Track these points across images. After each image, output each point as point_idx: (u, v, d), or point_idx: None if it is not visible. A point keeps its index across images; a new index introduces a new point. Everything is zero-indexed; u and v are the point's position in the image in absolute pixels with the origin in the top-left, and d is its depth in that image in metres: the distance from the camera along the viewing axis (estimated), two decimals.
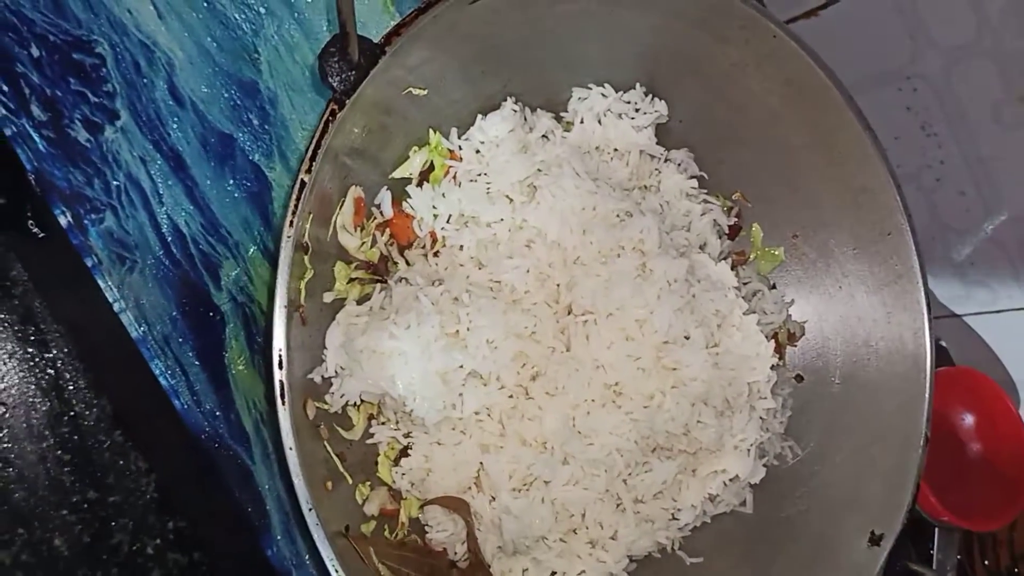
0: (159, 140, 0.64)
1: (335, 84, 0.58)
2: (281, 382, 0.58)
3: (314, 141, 0.59)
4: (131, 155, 0.63)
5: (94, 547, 0.71)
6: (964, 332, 0.98)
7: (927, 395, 0.70)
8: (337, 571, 0.58)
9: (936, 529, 0.90)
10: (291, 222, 0.59)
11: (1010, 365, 0.95)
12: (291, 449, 0.57)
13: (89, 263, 0.62)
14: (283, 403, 0.58)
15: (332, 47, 0.58)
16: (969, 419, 0.94)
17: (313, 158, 0.58)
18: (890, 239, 0.71)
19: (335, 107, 0.59)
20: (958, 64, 0.87)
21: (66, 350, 0.71)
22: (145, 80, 0.64)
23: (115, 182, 0.63)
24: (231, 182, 0.67)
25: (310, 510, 0.57)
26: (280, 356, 0.58)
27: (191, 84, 0.66)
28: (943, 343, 0.98)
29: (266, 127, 0.68)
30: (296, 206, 0.58)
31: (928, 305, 0.70)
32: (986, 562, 0.96)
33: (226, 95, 0.67)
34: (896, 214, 0.70)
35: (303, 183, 0.59)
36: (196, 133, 0.66)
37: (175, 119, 0.65)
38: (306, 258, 0.62)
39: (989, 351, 0.97)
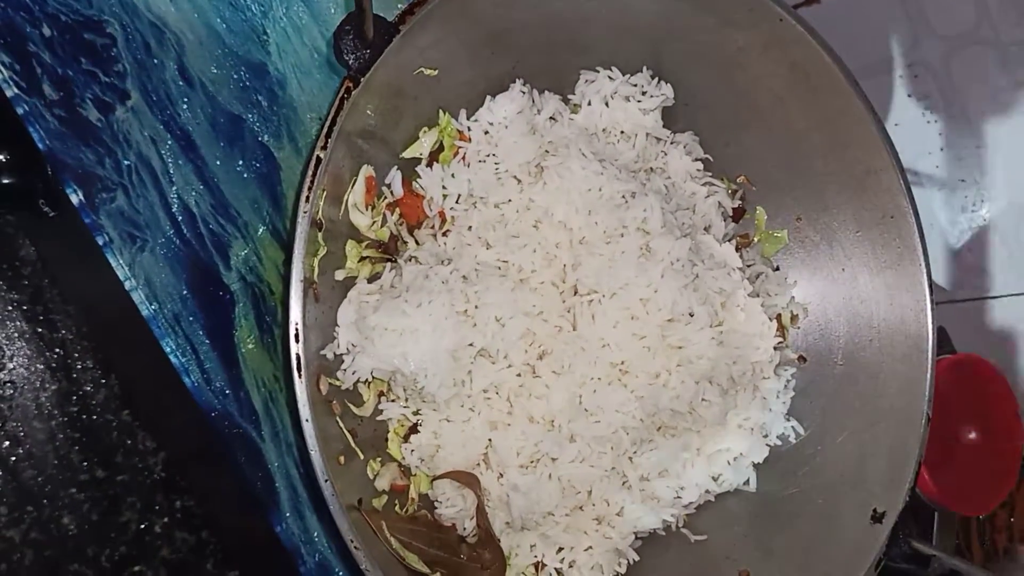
0: (169, 120, 0.65)
1: (350, 62, 0.59)
2: (298, 355, 0.59)
3: (329, 118, 0.59)
4: (141, 135, 0.64)
5: (102, 525, 0.72)
6: (962, 317, 0.99)
7: (928, 375, 0.70)
8: (353, 543, 0.58)
9: (936, 513, 0.91)
10: (307, 197, 0.59)
11: (1007, 349, 0.96)
12: (307, 421, 0.58)
13: (101, 242, 0.62)
14: (299, 376, 0.58)
15: (347, 25, 0.59)
16: (967, 405, 0.95)
17: (328, 135, 0.59)
18: (893, 222, 0.72)
19: (350, 84, 0.59)
20: (958, 52, 0.88)
21: (75, 330, 0.72)
22: (155, 60, 0.64)
23: (126, 161, 0.63)
24: (240, 163, 0.67)
25: (326, 481, 0.58)
26: (297, 330, 0.59)
27: (200, 65, 0.66)
28: (944, 328, 0.98)
29: (275, 108, 0.69)
30: (312, 181, 0.59)
31: (930, 287, 0.71)
32: (984, 545, 0.97)
33: (235, 76, 0.67)
34: (899, 197, 0.71)
35: (319, 159, 0.59)
36: (206, 114, 0.66)
37: (185, 100, 0.65)
38: (320, 235, 0.62)
39: (987, 336, 0.98)
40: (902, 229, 0.71)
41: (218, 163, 0.66)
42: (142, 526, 0.73)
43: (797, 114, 0.73)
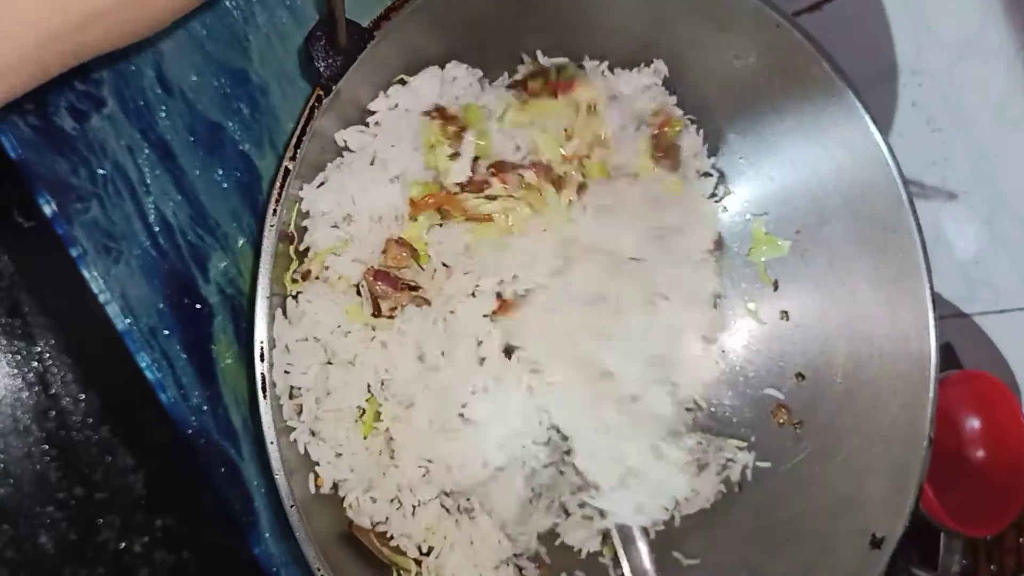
0: (146, 129, 0.63)
1: (321, 69, 0.57)
2: (263, 375, 0.57)
3: (299, 127, 0.57)
4: (118, 144, 0.62)
5: (80, 545, 0.70)
6: (969, 331, 0.97)
7: (931, 394, 0.68)
8: (320, 572, 0.56)
9: (941, 534, 0.89)
10: (274, 210, 0.57)
11: (1015, 365, 0.93)
12: (272, 444, 0.56)
13: (74, 253, 0.61)
14: (264, 396, 0.56)
15: (319, 31, 0.57)
16: (975, 423, 0.93)
17: (298, 145, 0.57)
18: (894, 236, 0.69)
19: (321, 92, 0.58)
20: (963, 60, 0.86)
21: (52, 344, 0.70)
22: (132, 67, 0.63)
23: (101, 171, 0.61)
24: (220, 172, 0.65)
25: (292, 507, 0.56)
26: (262, 348, 0.57)
27: (179, 72, 0.64)
28: (951, 343, 0.96)
29: (256, 116, 0.67)
30: (280, 194, 0.57)
31: (933, 303, 0.69)
32: (992, 567, 0.94)
33: (215, 84, 0.65)
34: (901, 210, 0.68)
35: (287, 170, 0.57)
36: (184, 122, 0.64)
37: (163, 107, 0.64)
38: (291, 249, 0.60)
39: (995, 351, 0.96)
40: (904, 243, 0.69)
41: (197, 172, 0.65)
42: (121, 545, 0.72)
43: (793, 123, 0.71)
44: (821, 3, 0.90)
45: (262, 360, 0.57)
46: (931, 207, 0.93)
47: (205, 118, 0.65)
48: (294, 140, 0.58)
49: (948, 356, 0.94)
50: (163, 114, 0.64)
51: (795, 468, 0.73)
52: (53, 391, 0.70)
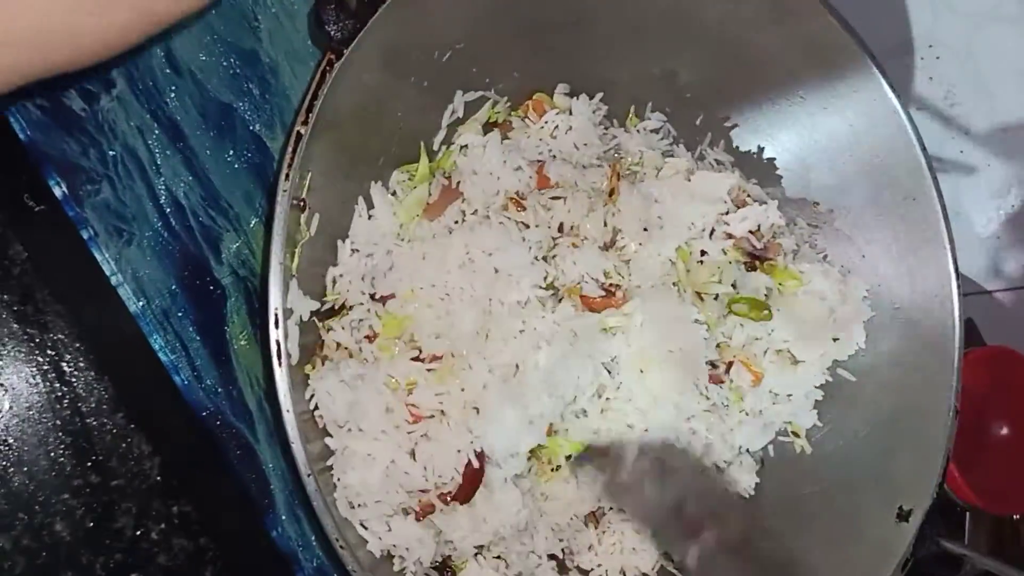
0: (156, 109, 0.63)
1: (332, 32, 0.56)
2: (278, 342, 0.56)
3: (310, 92, 0.57)
4: (128, 125, 0.62)
5: (97, 532, 0.69)
6: (993, 308, 0.95)
7: (956, 364, 0.67)
8: (339, 541, 0.55)
9: (967, 513, 0.88)
10: (286, 175, 0.57)
11: None
12: (288, 412, 0.55)
13: (85, 235, 0.60)
14: (279, 363, 0.56)
15: None
16: (1000, 400, 0.91)
17: (310, 109, 0.56)
18: (916, 204, 0.68)
19: (332, 56, 0.57)
20: (980, 31, 0.85)
21: (66, 330, 0.70)
22: (142, 48, 0.62)
23: (111, 152, 0.61)
24: (231, 153, 0.65)
25: (309, 476, 0.55)
26: (276, 315, 0.56)
27: (189, 52, 0.64)
28: (973, 320, 0.94)
29: (267, 97, 0.67)
30: (292, 159, 0.56)
31: (957, 273, 0.68)
32: (1019, 547, 0.93)
33: (225, 64, 0.65)
34: (921, 178, 0.67)
35: (299, 135, 0.57)
36: (195, 102, 0.64)
37: (173, 88, 0.63)
38: (302, 218, 0.60)
39: (1018, 328, 0.94)
40: (926, 211, 0.68)
41: (208, 153, 0.64)
42: (138, 532, 0.71)
43: (810, 91, 0.70)
44: None
45: (276, 327, 0.56)
46: (950, 182, 0.92)
47: (215, 99, 0.65)
48: (306, 104, 0.57)
49: (970, 332, 0.92)
50: (173, 95, 0.63)
51: (819, 443, 0.72)
52: (67, 377, 0.70)
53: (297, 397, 0.58)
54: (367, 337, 0.66)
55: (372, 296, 0.66)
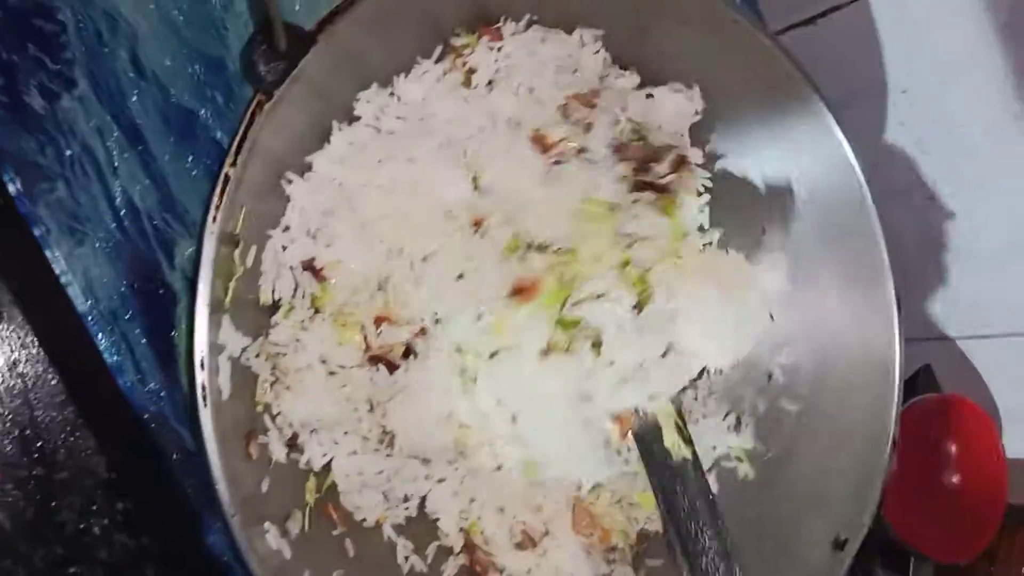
0: (117, 112, 0.63)
1: (263, 73, 0.57)
2: (203, 384, 0.57)
3: (240, 135, 0.57)
4: (87, 125, 0.62)
5: (38, 524, 0.69)
6: (954, 355, 0.96)
7: (896, 395, 0.68)
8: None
9: (912, 559, 0.88)
10: (214, 217, 0.57)
11: (996, 391, 0.92)
12: (214, 452, 0.56)
13: (37, 233, 0.61)
14: (204, 404, 0.56)
15: (259, 35, 0.57)
16: (952, 448, 0.91)
17: (239, 151, 0.57)
18: (860, 239, 0.69)
19: (262, 98, 0.58)
20: (954, 80, 0.85)
21: (18, 322, 0.70)
22: (106, 49, 0.63)
23: (69, 151, 0.61)
24: (191, 159, 0.65)
25: (234, 516, 0.56)
26: (202, 359, 0.57)
27: (154, 56, 0.64)
28: (932, 366, 0.95)
29: (231, 105, 0.67)
30: (220, 200, 0.57)
31: (899, 308, 0.68)
32: None
33: (190, 70, 0.65)
34: (864, 213, 0.68)
35: (227, 177, 0.57)
36: (157, 107, 0.64)
37: (135, 91, 0.64)
38: (236, 253, 0.60)
39: (977, 376, 0.95)
40: (868, 247, 0.68)
41: (167, 158, 0.64)
42: (80, 527, 0.71)
43: (755, 120, 0.71)
44: (814, 18, 0.90)
45: (202, 369, 0.57)
46: (918, 227, 0.92)
47: (178, 104, 0.65)
48: (234, 147, 0.58)
49: (928, 379, 0.93)
50: (135, 98, 0.64)
51: (762, 469, 0.72)
52: (19, 369, 0.70)
53: (225, 432, 0.58)
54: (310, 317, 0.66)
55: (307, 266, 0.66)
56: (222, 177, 0.58)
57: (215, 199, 0.58)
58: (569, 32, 0.71)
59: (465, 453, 0.68)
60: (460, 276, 0.67)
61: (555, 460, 0.69)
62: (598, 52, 0.71)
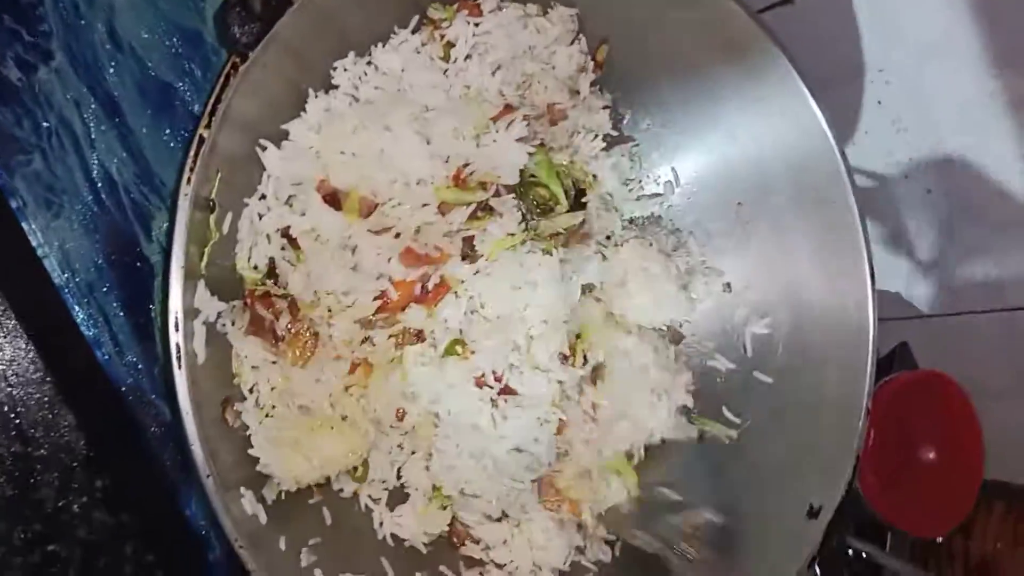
0: (94, 84, 0.63)
1: (237, 35, 0.57)
2: (178, 345, 0.57)
3: (214, 95, 0.57)
4: (64, 98, 0.62)
5: (17, 501, 0.69)
6: (929, 334, 0.96)
7: (869, 366, 0.68)
8: (238, 542, 0.57)
9: (889, 532, 0.88)
10: (188, 179, 0.57)
11: (972, 368, 0.93)
12: (188, 414, 0.56)
13: (13, 205, 0.61)
14: (179, 366, 0.56)
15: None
16: (929, 423, 0.92)
17: (213, 112, 0.57)
18: (834, 208, 0.69)
19: (236, 60, 0.58)
20: (929, 60, 0.86)
21: None
22: (83, 22, 0.63)
23: (46, 124, 0.61)
24: (168, 132, 0.65)
25: (208, 477, 0.56)
26: (177, 318, 0.57)
27: (132, 29, 0.64)
28: (909, 343, 0.95)
29: (208, 78, 0.67)
30: (195, 163, 0.57)
31: (872, 276, 0.68)
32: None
33: (167, 43, 0.65)
34: (839, 182, 0.68)
35: (201, 138, 0.57)
36: (134, 79, 0.64)
37: (113, 64, 0.64)
38: (211, 218, 0.61)
39: (953, 354, 0.95)
40: (843, 215, 0.68)
41: (144, 131, 0.65)
42: (59, 504, 0.71)
43: (732, 93, 0.71)
44: None
45: (176, 330, 0.57)
46: (894, 205, 0.93)
47: (155, 77, 0.65)
48: (209, 108, 0.58)
49: (905, 356, 0.93)
50: (112, 71, 0.64)
51: (738, 438, 0.73)
52: None
53: (200, 397, 0.58)
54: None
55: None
56: (196, 138, 0.58)
57: (189, 161, 0.58)
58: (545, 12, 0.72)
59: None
60: None
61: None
62: (573, 52, 0.72)
